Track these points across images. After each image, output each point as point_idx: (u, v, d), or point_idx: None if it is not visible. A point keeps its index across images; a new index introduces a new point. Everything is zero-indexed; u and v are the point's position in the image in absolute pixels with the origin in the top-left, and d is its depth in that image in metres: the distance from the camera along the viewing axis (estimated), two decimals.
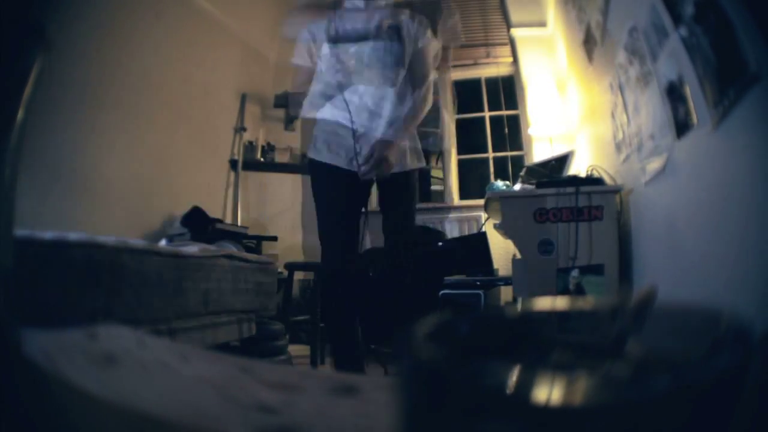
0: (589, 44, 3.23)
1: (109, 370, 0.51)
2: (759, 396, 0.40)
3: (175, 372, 0.55)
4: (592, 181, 2.96)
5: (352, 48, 2.30)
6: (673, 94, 1.98)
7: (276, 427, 0.44)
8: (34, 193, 2.65)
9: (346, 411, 0.49)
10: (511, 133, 4.90)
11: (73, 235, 1.78)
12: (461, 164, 5.18)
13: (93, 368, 0.50)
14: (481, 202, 3.81)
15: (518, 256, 3.09)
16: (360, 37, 2.29)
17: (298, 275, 4.09)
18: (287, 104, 4.49)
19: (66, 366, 0.47)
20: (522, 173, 3.75)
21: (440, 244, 4.24)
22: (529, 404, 0.24)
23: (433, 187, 5.21)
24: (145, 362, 0.57)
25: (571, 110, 4.19)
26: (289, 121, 5.07)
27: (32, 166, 2.66)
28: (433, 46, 2.40)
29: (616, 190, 2.90)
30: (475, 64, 5.10)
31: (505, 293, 3.84)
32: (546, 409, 0.23)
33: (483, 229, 4.22)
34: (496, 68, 4.98)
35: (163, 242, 3.11)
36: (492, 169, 5.02)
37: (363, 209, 2.45)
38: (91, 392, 0.44)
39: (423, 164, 2.53)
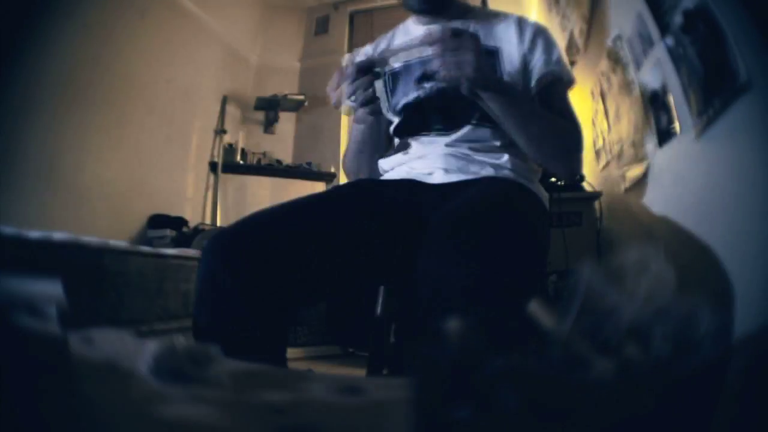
0: (571, 51, 3.26)
1: (116, 375, 0.50)
2: (745, 389, 0.41)
3: (182, 375, 0.55)
4: (571, 187, 2.98)
5: None
6: (656, 102, 2.01)
7: (289, 428, 0.44)
8: (18, 191, 2.62)
9: (354, 410, 0.49)
10: None
11: (58, 235, 1.76)
12: None
13: (98, 374, 0.50)
14: None
15: None
16: None
17: None
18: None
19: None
20: None
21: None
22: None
23: None
24: (149, 366, 0.56)
25: None
26: (268, 124, 5.07)
27: (16, 164, 2.64)
28: None
29: (595, 197, 2.92)
30: None
31: None
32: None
33: None
34: None
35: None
36: None
37: None
38: (104, 397, 0.43)
39: None
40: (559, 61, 1.47)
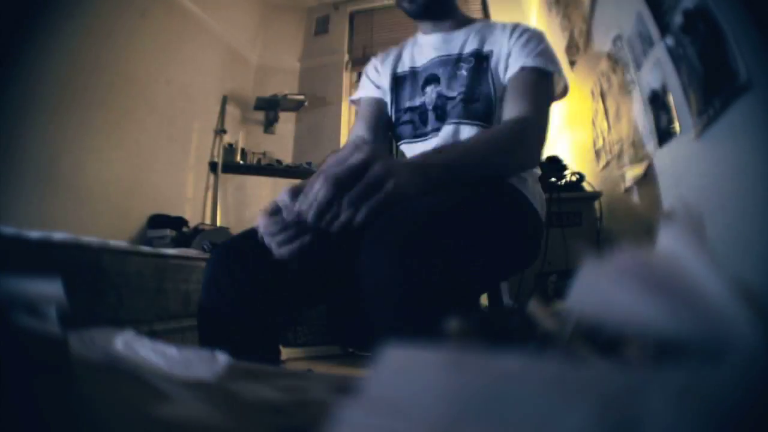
0: (571, 51, 3.26)
1: (112, 373, 0.50)
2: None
3: (180, 375, 0.55)
4: (571, 187, 2.98)
5: None
6: (656, 102, 2.01)
7: (290, 428, 0.44)
8: (18, 191, 2.62)
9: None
10: None
11: (58, 235, 1.76)
12: None
13: (96, 372, 0.50)
14: None
15: None
16: None
17: None
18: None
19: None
20: None
21: None
22: None
23: None
24: (148, 365, 0.56)
25: (550, 116, 4.21)
26: (269, 124, 5.07)
27: (17, 164, 2.64)
28: None
29: (595, 197, 2.92)
30: None
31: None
32: None
33: None
34: None
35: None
36: None
37: None
38: (97, 394, 0.43)
39: None
40: (538, 54, 1.37)
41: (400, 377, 0.22)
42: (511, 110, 1.32)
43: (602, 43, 2.63)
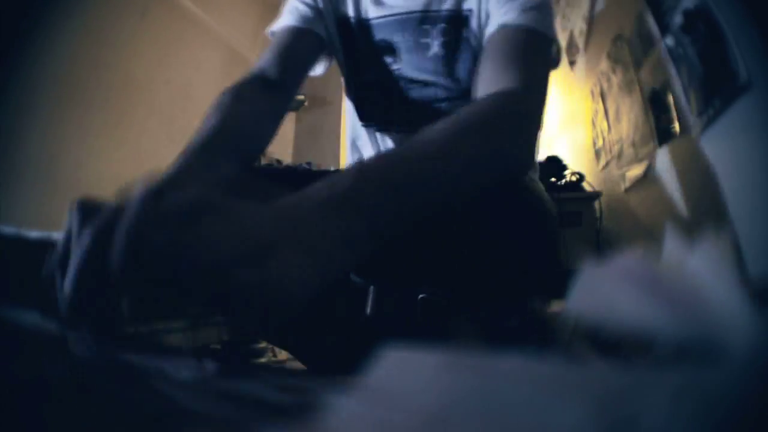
0: (571, 51, 3.26)
1: (112, 373, 0.50)
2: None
3: (180, 375, 0.55)
4: (571, 187, 2.97)
5: None
6: (656, 102, 2.01)
7: (289, 428, 0.44)
8: (18, 191, 2.62)
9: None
10: None
11: (58, 235, 1.75)
12: None
13: (96, 372, 0.50)
14: None
15: None
16: None
17: None
18: None
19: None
20: None
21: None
22: None
23: None
24: (148, 365, 0.56)
25: (550, 116, 4.21)
26: None
27: (17, 164, 2.63)
28: None
29: (595, 197, 2.91)
30: None
31: None
32: None
33: None
34: None
35: None
36: None
37: None
38: (96, 394, 0.43)
39: None
40: (523, 8, 0.92)
41: (398, 374, 0.22)
42: (489, 83, 0.83)
43: (602, 43, 2.63)
